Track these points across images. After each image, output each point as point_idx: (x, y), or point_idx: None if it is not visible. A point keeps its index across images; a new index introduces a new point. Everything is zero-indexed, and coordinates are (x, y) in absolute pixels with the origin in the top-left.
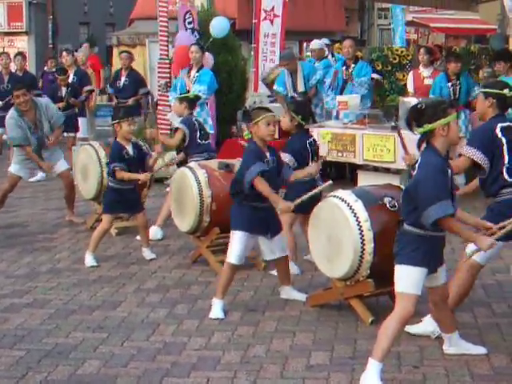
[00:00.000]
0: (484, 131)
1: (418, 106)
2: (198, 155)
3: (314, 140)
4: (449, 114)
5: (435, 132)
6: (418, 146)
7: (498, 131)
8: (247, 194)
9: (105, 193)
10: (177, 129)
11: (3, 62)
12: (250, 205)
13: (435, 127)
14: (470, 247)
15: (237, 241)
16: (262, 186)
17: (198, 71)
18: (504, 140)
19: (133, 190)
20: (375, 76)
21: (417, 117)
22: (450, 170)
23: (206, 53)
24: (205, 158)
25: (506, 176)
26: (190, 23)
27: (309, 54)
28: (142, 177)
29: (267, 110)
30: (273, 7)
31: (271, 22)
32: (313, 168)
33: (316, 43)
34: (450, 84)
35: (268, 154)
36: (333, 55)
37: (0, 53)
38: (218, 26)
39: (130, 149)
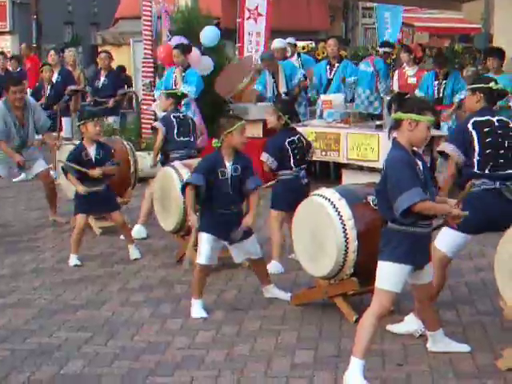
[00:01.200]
0: (458, 127)
1: (404, 94)
2: (176, 152)
3: (298, 138)
4: (423, 114)
5: (402, 124)
6: (388, 135)
7: (469, 125)
8: (211, 201)
9: (74, 194)
10: (156, 129)
11: None
12: (212, 209)
13: (403, 118)
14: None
15: (204, 242)
16: (188, 196)
17: (184, 71)
18: (474, 133)
19: (104, 190)
20: None
21: (397, 102)
22: (421, 162)
23: (193, 52)
24: (184, 154)
25: (476, 168)
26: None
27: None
28: (80, 189)
29: (238, 118)
30: (257, 6)
31: (255, 20)
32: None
33: (277, 41)
34: (436, 83)
35: (229, 164)
36: (299, 55)
37: None
38: (209, 36)
39: (91, 150)
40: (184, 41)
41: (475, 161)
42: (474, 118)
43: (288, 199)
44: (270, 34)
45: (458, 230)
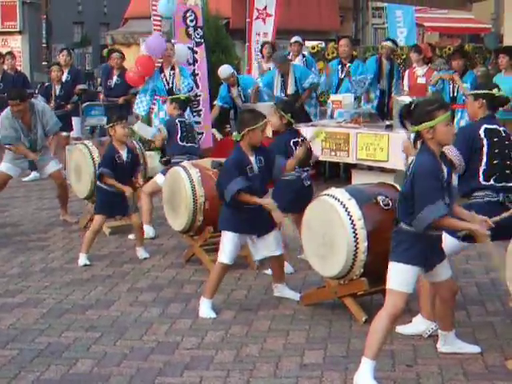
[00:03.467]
0: (467, 131)
1: (409, 105)
2: (178, 157)
3: (302, 140)
4: (436, 117)
5: (422, 134)
6: (414, 145)
7: (481, 131)
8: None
9: (96, 193)
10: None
11: None
12: (236, 206)
13: (420, 129)
14: None
15: (227, 241)
16: (246, 198)
17: (172, 69)
18: (485, 141)
19: (123, 192)
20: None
21: (407, 116)
22: (446, 168)
23: (176, 45)
24: (186, 160)
25: (481, 178)
26: (192, 21)
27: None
28: (127, 191)
29: (262, 114)
30: (265, 6)
31: (263, 20)
32: (299, 151)
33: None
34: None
35: (253, 159)
36: (303, 56)
37: None
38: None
39: (123, 153)
40: (163, 44)
41: (481, 170)
42: (485, 126)
43: (289, 199)
44: (276, 35)
45: (455, 237)
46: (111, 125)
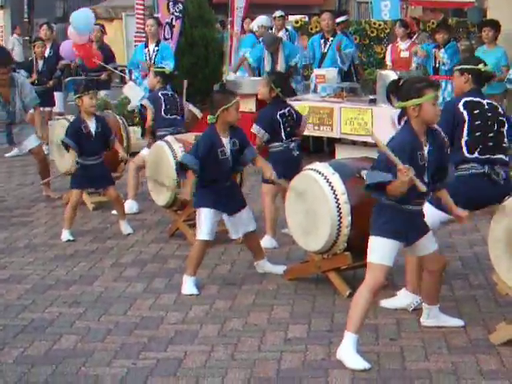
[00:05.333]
0: (447, 106)
1: (397, 80)
2: (164, 129)
3: (289, 111)
4: (424, 94)
5: (407, 111)
6: (399, 121)
7: (460, 105)
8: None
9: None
10: (144, 107)
11: None
12: (212, 184)
13: (407, 106)
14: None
15: (204, 217)
16: (188, 177)
17: (156, 45)
18: (465, 115)
19: (99, 164)
20: None
21: (394, 91)
22: (429, 148)
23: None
24: (171, 132)
25: (465, 151)
26: None
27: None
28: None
29: (233, 93)
30: None
31: None
32: (269, 173)
33: (263, 20)
34: (434, 50)
35: (227, 140)
36: (287, 30)
37: None
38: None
39: (90, 124)
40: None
41: (463, 143)
42: (465, 99)
43: (279, 171)
44: (259, 9)
45: (441, 209)
46: (78, 95)
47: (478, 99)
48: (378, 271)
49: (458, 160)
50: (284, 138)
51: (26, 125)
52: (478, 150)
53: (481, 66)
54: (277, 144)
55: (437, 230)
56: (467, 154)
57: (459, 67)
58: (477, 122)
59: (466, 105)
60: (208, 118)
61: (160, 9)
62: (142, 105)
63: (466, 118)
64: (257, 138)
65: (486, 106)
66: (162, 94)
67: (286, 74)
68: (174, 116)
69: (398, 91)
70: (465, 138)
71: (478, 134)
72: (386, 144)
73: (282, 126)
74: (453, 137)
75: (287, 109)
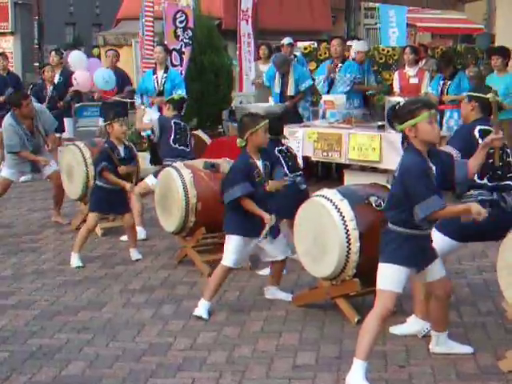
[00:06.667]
0: (462, 132)
1: (395, 105)
2: (170, 159)
3: (286, 148)
4: (417, 115)
5: (406, 133)
6: (402, 145)
7: (476, 132)
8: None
9: (92, 191)
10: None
11: None
12: (243, 210)
13: (403, 128)
14: None
15: (233, 245)
16: (247, 205)
17: (165, 72)
18: (481, 141)
19: (120, 190)
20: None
21: (394, 116)
22: (434, 167)
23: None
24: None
25: (476, 177)
26: (181, 22)
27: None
28: (127, 186)
29: (261, 116)
30: (247, 8)
31: (246, 21)
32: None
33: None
34: (441, 82)
35: (259, 162)
36: (295, 56)
37: None
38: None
39: (121, 150)
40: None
41: None
42: (479, 127)
43: (286, 205)
44: (268, 35)
45: (449, 237)
46: (109, 122)
47: (488, 127)
48: (387, 298)
49: (469, 185)
50: (288, 172)
51: (46, 152)
52: (487, 176)
53: (490, 95)
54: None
55: (446, 257)
56: (478, 180)
57: (468, 94)
58: (490, 150)
59: (480, 132)
60: (237, 141)
61: (166, 35)
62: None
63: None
64: None
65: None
66: (174, 123)
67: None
68: (182, 147)
69: (394, 116)
70: None
71: (489, 160)
72: (396, 169)
73: (283, 161)
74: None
75: (284, 146)
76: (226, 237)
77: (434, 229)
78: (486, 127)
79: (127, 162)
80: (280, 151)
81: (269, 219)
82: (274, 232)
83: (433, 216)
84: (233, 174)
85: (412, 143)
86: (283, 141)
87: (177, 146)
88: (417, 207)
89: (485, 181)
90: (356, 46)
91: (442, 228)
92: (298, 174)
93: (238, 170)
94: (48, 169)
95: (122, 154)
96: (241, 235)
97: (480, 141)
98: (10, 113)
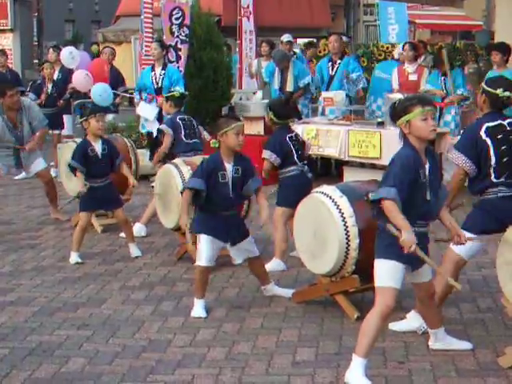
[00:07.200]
0: (468, 134)
1: (395, 102)
2: (184, 154)
3: (296, 135)
4: (410, 111)
5: (401, 129)
6: (400, 141)
7: (482, 132)
8: (209, 202)
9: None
10: (162, 132)
11: None
12: (210, 210)
13: (399, 125)
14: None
15: (203, 244)
16: (184, 199)
17: (163, 68)
18: (489, 141)
19: (107, 186)
20: None
21: (393, 113)
22: (429, 165)
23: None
24: (192, 156)
25: (492, 177)
26: (177, 19)
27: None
28: (80, 187)
29: (236, 118)
30: (248, 4)
31: (248, 18)
32: (264, 218)
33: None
34: (442, 78)
35: (229, 166)
36: (294, 53)
37: None
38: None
39: (97, 146)
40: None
41: (492, 170)
42: (486, 124)
43: (295, 195)
44: (268, 32)
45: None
46: (85, 118)
47: (498, 122)
48: (387, 295)
49: (484, 185)
50: (297, 160)
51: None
52: (505, 175)
53: (499, 90)
54: (292, 168)
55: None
56: (494, 180)
57: (481, 87)
58: (503, 148)
59: (487, 131)
60: (211, 142)
61: (164, 32)
62: (159, 129)
63: (491, 144)
64: (266, 162)
65: (508, 128)
66: (179, 119)
67: (283, 98)
68: (194, 140)
69: (391, 113)
70: (493, 165)
71: (505, 159)
72: (390, 160)
73: (293, 149)
74: (479, 162)
75: (294, 133)
76: (197, 236)
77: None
78: (495, 123)
79: (106, 158)
80: (290, 138)
81: (183, 224)
82: (236, 239)
83: (381, 205)
84: (198, 168)
85: (407, 139)
86: (292, 126)
87: (189, 140)
88: (376, 191)
89: (502, 179)
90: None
91: (467, 226)
92: (304, 163)
93: (201, 166)
94: (36, 166)
95: (99, 150)
96: (209, 235)
97: (489, 141)
98: None
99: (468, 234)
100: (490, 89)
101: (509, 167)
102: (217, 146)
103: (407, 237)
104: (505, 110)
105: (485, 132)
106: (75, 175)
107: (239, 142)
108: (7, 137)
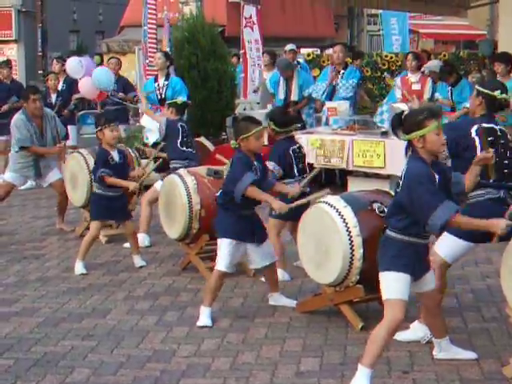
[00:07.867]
0: (459, 125)
1: (400, 114)
2: (178, 161)
3: (299, 147)
4: (425, 126)
5: (413, 143)
6: (406, 153)
7: (473, 130)
8: (236, 204)
9: (91, 200)
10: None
11: None
12: (235, 213)
13: (411, 139)
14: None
15: (224, 248)
16: (256, 193)
17: (166, 79)
18: (477, 141)
19: (120, 196)
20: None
21: (398, 125)
22: (438, 176)
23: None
24: (185, 165)
25: (479, 178)
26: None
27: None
28: (132, 185)
29: (256, 121)
30: (251, 15)
31: (251, 28)
32: (294, 190)
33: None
34: (449, 88)
35: (256, 162)
36: (298, 63)
37: None
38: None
39: (114, 155)
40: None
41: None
42: (479, 124)
43: (291, 207)
44: (271, 42)
45: (460, 237)
46: (99, 128)
47: (491, 125)
48: (396, 308)
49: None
50: (296, 174)
51: (51, 159)
52: (494, 177)
53: (497, 92)
54: (290, 180)
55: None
56: (482, 181)
57: (477, 87)
58: (492, 150)
59: (477, 131)
60: (231, 142)
61: (162, 42)
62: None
63: (479, 145)
64: (269, 174)
65: (499, 133)
66: (180, 126)
67: (283, 107)
68: (190, 149)
69: (401, 125)
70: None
71: (492, 161)
72: (400, 176)
73: (293, 162)
74: (457, 152)
75: (297, 145)
76: (218, 241)
77: (445, 232)
78: (490, 125)
79: (122, 166)
80: (293, 151)
81: (280, 205)
82: (261, 237)
83: (451, 223)
84: (236, 167)
85: (417, 152)
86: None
87: (184, 148)
88: (432, 216)
89: (491, 180)
90: (430, 65)
91: (453, 230)
92: (304, 176)
93: (238, 164)
94: (52, 176)
95: (117, 159)
96: (232, 238)
97: (477, 140)
98: (21, 109)
99: (458, 240)
100: (487, 90)
101: (497, 169)
102: (237, 146)
103: (495, 222)
104: (502, 112)
105: (475, 131)
106: (105, 184)
107: (261, 145)
108: (34, 143)
